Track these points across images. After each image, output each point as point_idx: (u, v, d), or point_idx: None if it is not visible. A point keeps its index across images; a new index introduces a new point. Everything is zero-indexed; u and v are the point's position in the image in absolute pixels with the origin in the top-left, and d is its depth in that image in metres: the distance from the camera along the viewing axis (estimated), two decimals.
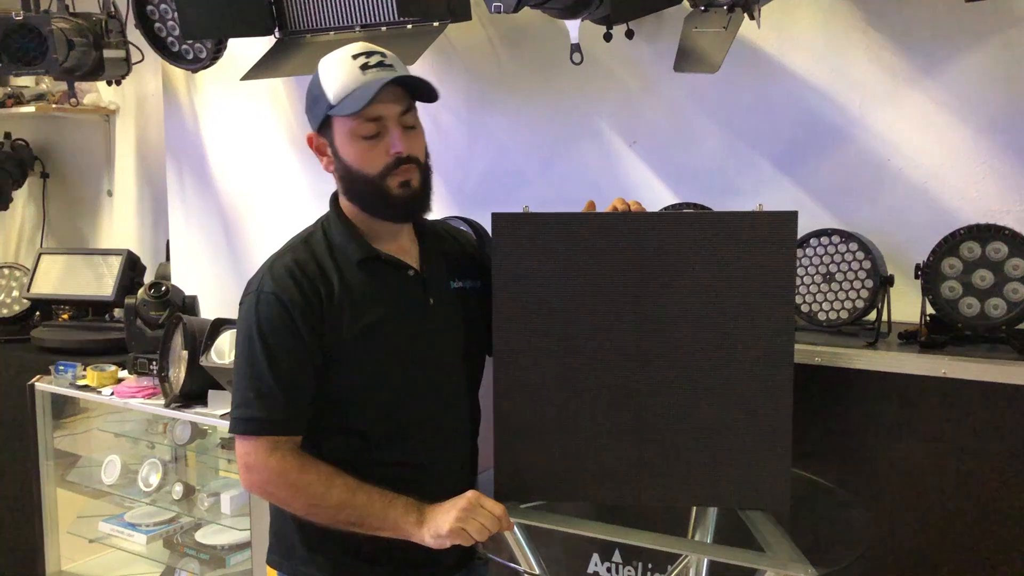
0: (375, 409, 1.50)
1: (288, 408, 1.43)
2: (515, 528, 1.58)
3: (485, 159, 2.71)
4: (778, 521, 1.52)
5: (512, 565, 1.55)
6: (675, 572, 1.71)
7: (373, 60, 1.45)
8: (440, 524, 1.38)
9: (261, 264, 1.52)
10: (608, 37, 2.29)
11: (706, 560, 1.61)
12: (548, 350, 1.54)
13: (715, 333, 1.51)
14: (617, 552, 2.02)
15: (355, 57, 1.45)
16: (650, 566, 2.01)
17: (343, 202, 1.55)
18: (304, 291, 1.43)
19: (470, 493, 1.42)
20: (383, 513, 1.41)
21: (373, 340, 1.47)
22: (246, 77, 2.70)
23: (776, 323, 1.50)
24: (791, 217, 1.50)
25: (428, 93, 1.48)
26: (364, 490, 1.42)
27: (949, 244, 1.88)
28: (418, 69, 2.56)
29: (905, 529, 1.78)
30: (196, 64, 2.95)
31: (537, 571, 1.54)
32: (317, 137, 1.51)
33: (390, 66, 1.46)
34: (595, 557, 2.04)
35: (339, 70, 1.45)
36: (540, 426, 1.56)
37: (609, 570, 2.03)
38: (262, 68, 2.69)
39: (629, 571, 2.02)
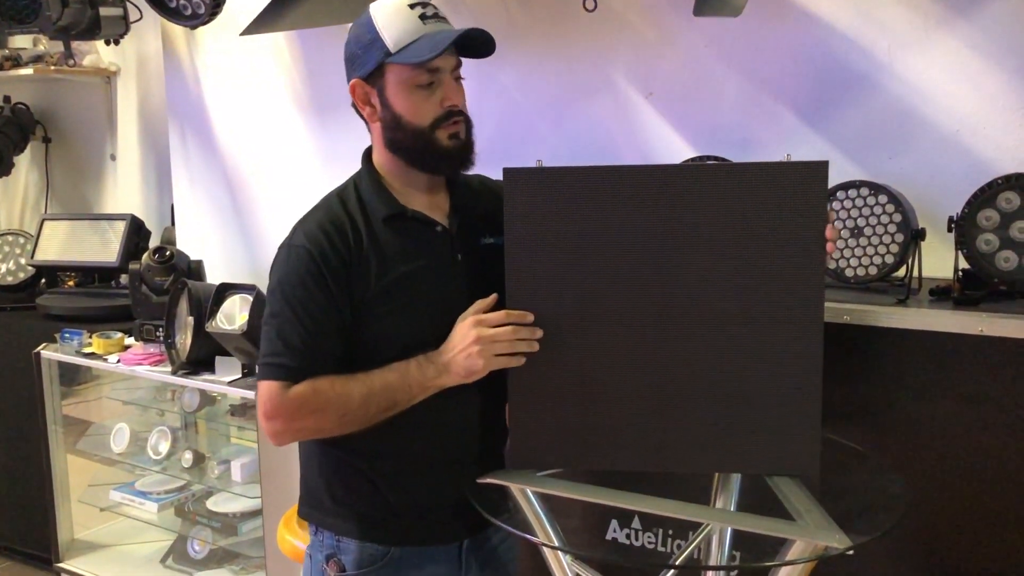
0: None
1: (311, 358, 1.43)
2: (531, 497, 1.52)
3: (495, 115, 2.61)
4: (808, 488, 1.46)
5: (530, 537, 1.49)
6: (697, 538, 1.65)
7: (429, 11, 1.46)
8: (469, 365, 1.42)
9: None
10: None
11: (730, 527, 1.54)
12: (565, 311, 1.47)
13: (741, 291, 1.43)
14: (636, 518, 1.96)
15: (411, 7, 1.45)
16: (671, 532, 1.95)
17: (378, 157, 1.54)
18: (334, 244, 1.44)
19: (467, 322, 1.43)
20: (404, 383, 1.43)
21: (397, 295, 1.46)
22: (246, 32, 2.61)
23: (806, 280, 1.42)
24: (821, 167, 1.41)
25: (484, 52, 1.51)
26: (377, 373, 1.43)
27: (986, 195, 1.78)
28: None
29: (939, 494, 1.71)
30: (194, 20, 2.87)
31: (556, 543, 1.48)
32: (363, 84, 1.49)
33: (444, 18, 1.48)
34: (614, 523, 1.98)
35: (397, 18, 1.44)
36: (557, 391, 1.50)
37: (628, 536, 1.98)
38: (263, 22, 2.59)
39: (649, 537, 1.97)
